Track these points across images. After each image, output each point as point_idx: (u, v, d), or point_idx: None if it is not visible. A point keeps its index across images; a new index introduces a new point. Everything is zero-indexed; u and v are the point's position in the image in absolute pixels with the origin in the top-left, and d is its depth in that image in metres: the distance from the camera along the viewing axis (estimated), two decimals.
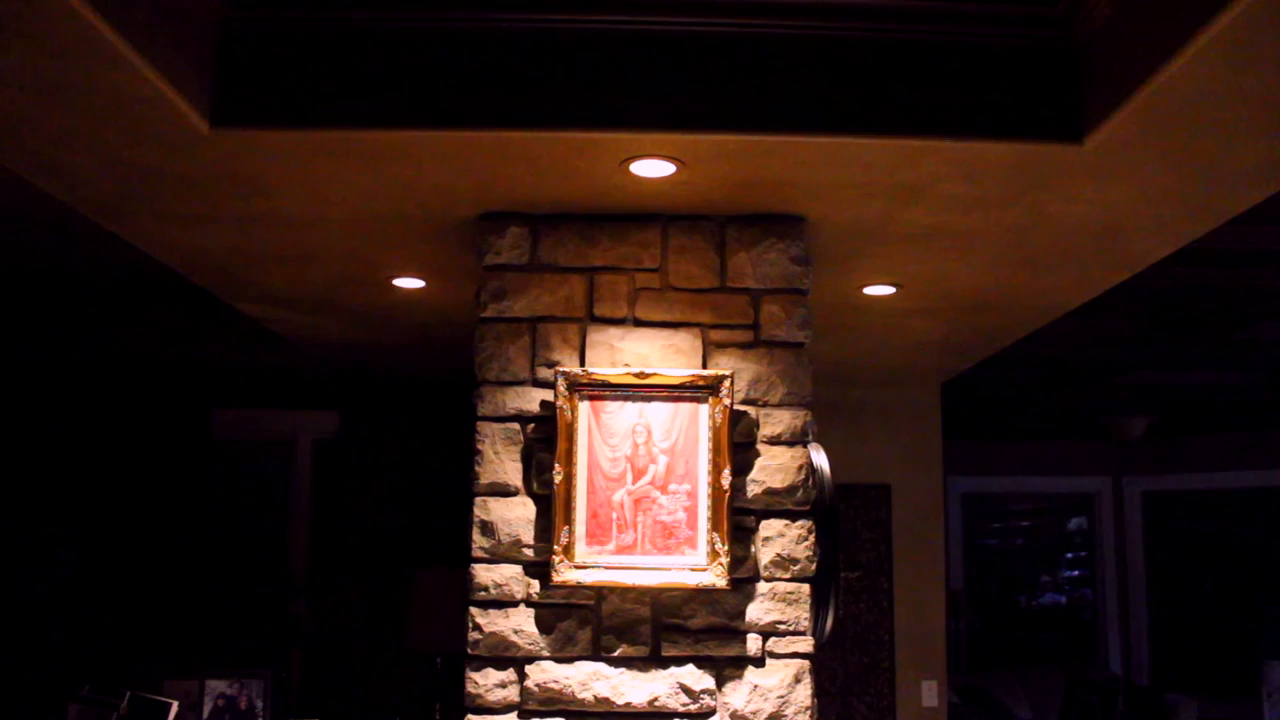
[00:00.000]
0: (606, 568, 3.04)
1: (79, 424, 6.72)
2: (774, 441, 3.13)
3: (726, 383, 3.07)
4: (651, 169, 2.85)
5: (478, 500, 3.11)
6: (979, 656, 9.94)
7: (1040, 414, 9.09)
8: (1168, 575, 10.10)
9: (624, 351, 3.16)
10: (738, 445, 3.10)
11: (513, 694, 3.05)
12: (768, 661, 3.06)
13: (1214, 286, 5.28)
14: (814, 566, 3.11)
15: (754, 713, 3.03)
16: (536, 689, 3.04)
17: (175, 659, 6.00)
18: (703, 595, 3.06)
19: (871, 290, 4.06)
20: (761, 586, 3.08)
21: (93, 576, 6.54)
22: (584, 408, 3.09)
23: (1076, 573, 10.56)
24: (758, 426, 3.14)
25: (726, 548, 3.02)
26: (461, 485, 3.23)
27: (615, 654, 3.06)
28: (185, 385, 6.91)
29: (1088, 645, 10.33)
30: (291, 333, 5.11)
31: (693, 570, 3.04)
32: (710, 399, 3.08)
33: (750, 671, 3.06)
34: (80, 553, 6.50)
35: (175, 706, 4.35)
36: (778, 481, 3.11)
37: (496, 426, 3.14)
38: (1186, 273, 4.85)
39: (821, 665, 5.72)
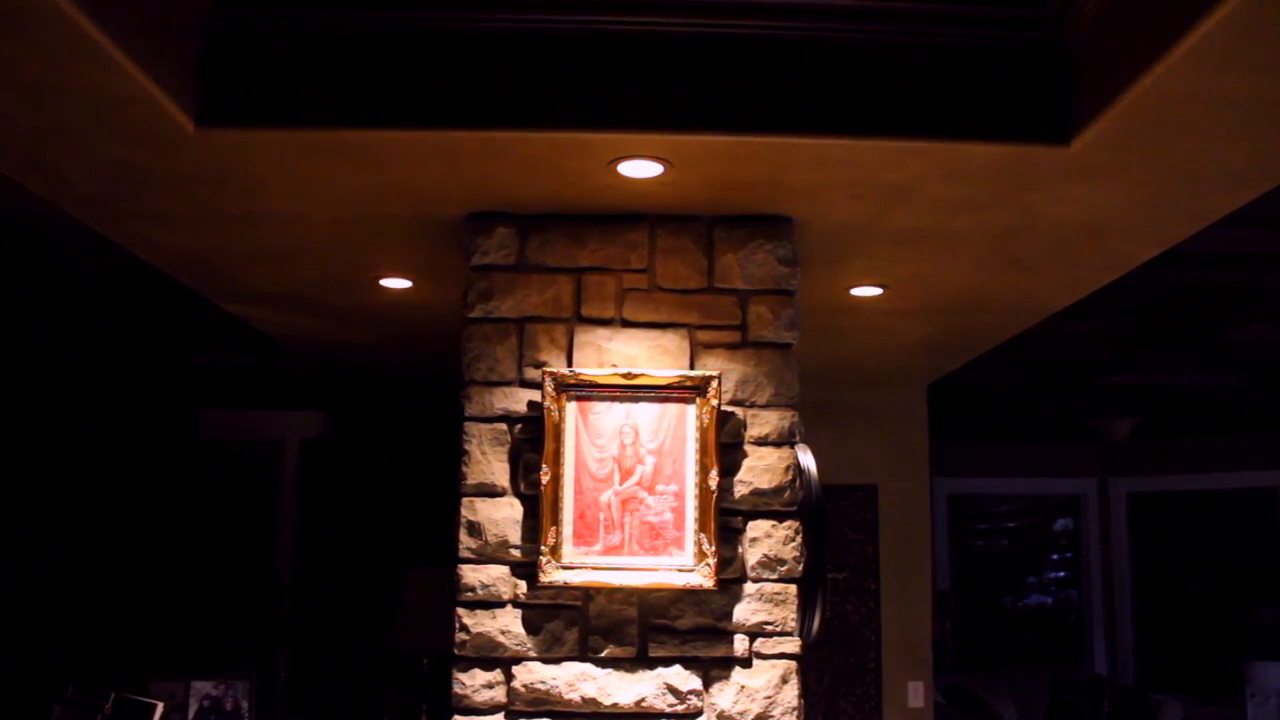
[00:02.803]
0: (594, 568, 3.04)
1: (65, 423, 6.69)
2: (761, 442, 3.13)
3: (714, 383, 3.07)
4: (640, 169, 2.85)
5: (465, 501, 3.11)
6: (965, 657, 9.95)
7: (1026, 416, 9.10)
8: (1153, 576, 10.12)
9: (611, 352, 3.16)
10: (725, 446, 3.10)
11: (499, 695, 3.04)
12: (755, 662, 3.06)
13: (1200, 289, 5.30)
14: (801, 567, 3.11)
15: (741, 713, 3.03)
16: (523, 690, 3.04)
17: (161, 660, 5.97)
18: (690, 596, 3.06)
19: (859, 291, 4.07)
20: (749, 587, 3.08)
21: (78, 577, 6.50)
22: (571, 408, 3.09)
23: (1062, 574, 10.57)
24: (745, 427, 3.14)
25: (714, 548, 3.02)
26: (449, 486, 3.22)
27: (602, 654, 3.05)
28: (173, 385, 6.87)
29: (1073, 646, 10.34)
30: (278, 333, 5.09)
31: (680, 571, 3.04)
32: (698, 400, 3.08)
33: (737, 672, 3.06)
34: (65, 553, 6.46)
35: (160, 707, 4.32)
36: (765, 482, 3.11)
37: (484, 427, 3.13)
38: (1173, 275, 4.87)
39: (807, 666, 5.72)
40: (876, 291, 4.07)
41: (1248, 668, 8.87)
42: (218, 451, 6.91)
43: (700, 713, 3.04)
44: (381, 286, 4.12)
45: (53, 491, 6.40)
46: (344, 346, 5.39)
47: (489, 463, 3.11)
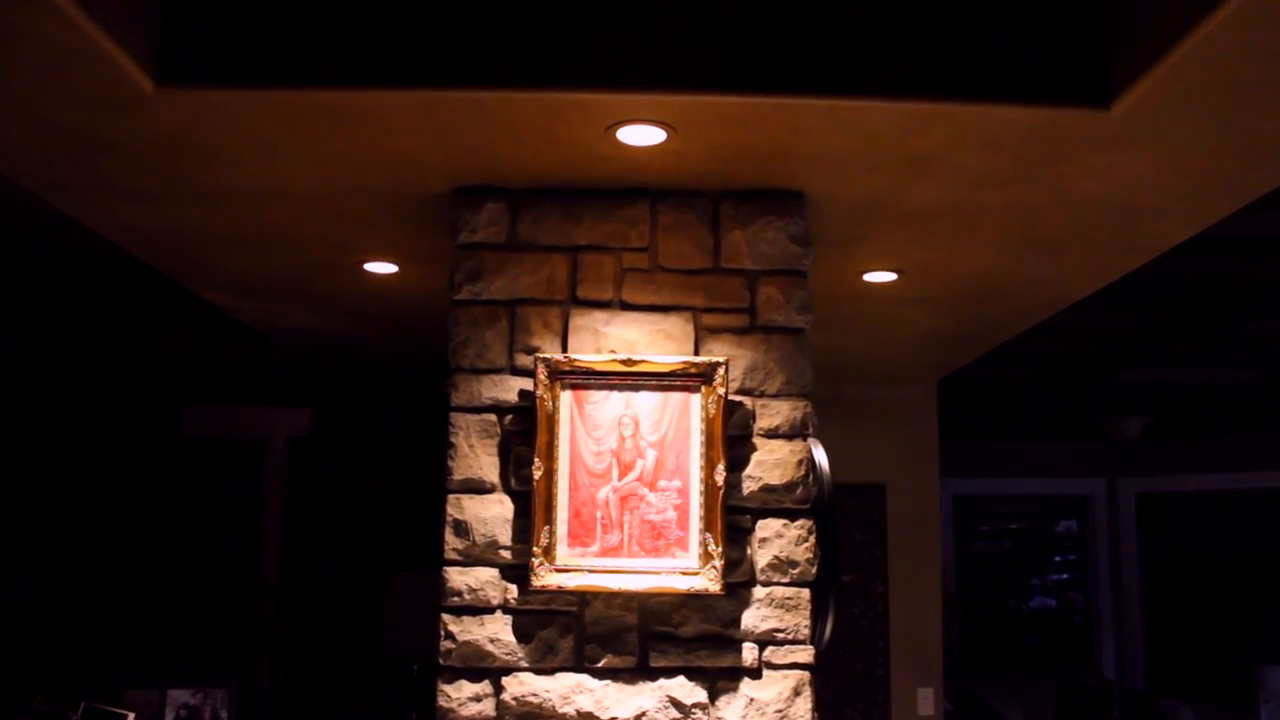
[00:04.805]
0: (590, 571, 2.81)
1: (40, 419, 6.48)
2: (772, 434, 2.90)
3: (720, 371, 2.84)
4: (640, 135, 2.62)
5: (451, 498, 2.88)
6: (969, 661, 9.76)
7: (1034, 414, 8.93)
8: (1163, 579, 9.93)
9: (610, 337, 2.93)
10: (732, 438, 2.87)
11: (488, 708, 2.81)
12: (765, 673, 2.83)
13: (1217, 277, 5.08)
14: (814, 570, 2.88)
15: None
16: (514, 703, 2.80)
17: (136, 666, 5.76)
18: (694, 601, 2.83)
19: (871, 277, 3.84)
20: (758, 591, 2.85)
21: (52, 579, 6.29)
22: (566, 397, 2.86)
23: (1065, 576, 10.39)
24: (754, 418, 2.91)
25: (720, 549, 2.79)
26: (440, 484, 2.99)
27: (599, 665, 2.82)
28: (154, 380, 6.67)
29: (1079, 649, 10.18)
30: (260, 323, 4.88)
31: (684, 574, 2.81)
32: (703, 388, 2.85)
33: (746, 684, 2.83)
34: (38, 555, 6.26)
35: (132, 718, 4.10)
36: (776, 478, 2.88)
37: (471, 418, 2.90)
38: (1193, 262, 4.64)
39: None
40: (890, 277, 3.84)
41: (1261, 672, 8.71)
42: (201, 449, 6.73)
43: None
44: (366, 272, 3.90)
45: (25, 490, 6.20)
46: (330, 339, 5.17)
47: (477, 456, 2.88)
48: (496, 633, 2.83)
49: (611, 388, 2.87)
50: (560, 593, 2.82)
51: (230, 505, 6.64)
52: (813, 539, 2.90)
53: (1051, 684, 9.08)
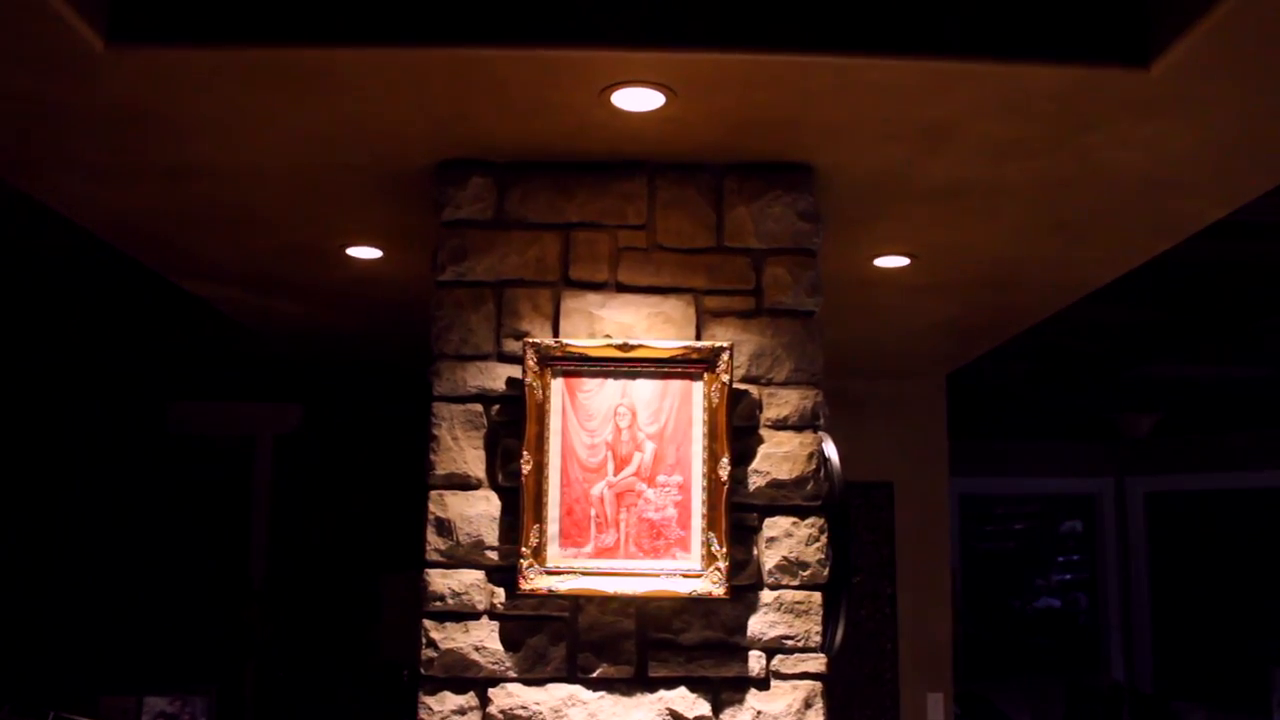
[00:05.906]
0: (583, 573, 2.61)
1: (21, 414, 6.30)
2: (780, 425, 2.70)
3: (724, 357, 2.64)
4: (637, 100, 2.42)
5: (433, 494, 2.68)
6: (975, 663, 9.60)
7: (1041, 411, 8.78)
8: (1172, 579, 9.77)
9: (604, 320, 2.73)
10: (738, 430, 2.67)
11: None
12: (773, 683, 2.63)
13: (1232, 264, 4.89)
14: (826, 572, 2.68)
15: None
16: (501, 715, 2.60)
17: (114, 672, 5.58)
18: (697, 605, 2.63)
19: (883, 262, 3.64)
20: (765, 595, 2.65)
21: (27, 579, 6.11)
22: (557, 386, 2.65)
23: (1069, 576, 10.23)
24: (761, 408, 2.71)
25: (724, 550, 2.59)
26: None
27: (594, 675, 2.62)
28: (138, 375, 6.49)
29: (1084, 650, 10.03)
30: (243, 315, 4.68)
31: (685, 576, 2.61)
32: (705, 376, 2.65)
33: (752, 695, 2.62)
34: (15, 554, 6.07)
35: None
36: (784, 472, 2.68)
37: (455, 408, 2.70)
38: (1209, 248, 4.44)
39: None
40: (903, 262, 3.64)
41: (1274, 673, 8.56)
42: (186, 446, 6.57)
43: None
44: (349, 257, 3.70)
45: (2, 486, 6.02)
46: (317, 331, 4.98)
47: (461, 450, 2.68)
48: (482, 640, 2.62)
49: (606, 375, 2.67)
50: (551, 597, 2.62)
51: (215, 504, 6.49)
52: (824, 538, 2.69)
53: (1059, 687, 8.96)
